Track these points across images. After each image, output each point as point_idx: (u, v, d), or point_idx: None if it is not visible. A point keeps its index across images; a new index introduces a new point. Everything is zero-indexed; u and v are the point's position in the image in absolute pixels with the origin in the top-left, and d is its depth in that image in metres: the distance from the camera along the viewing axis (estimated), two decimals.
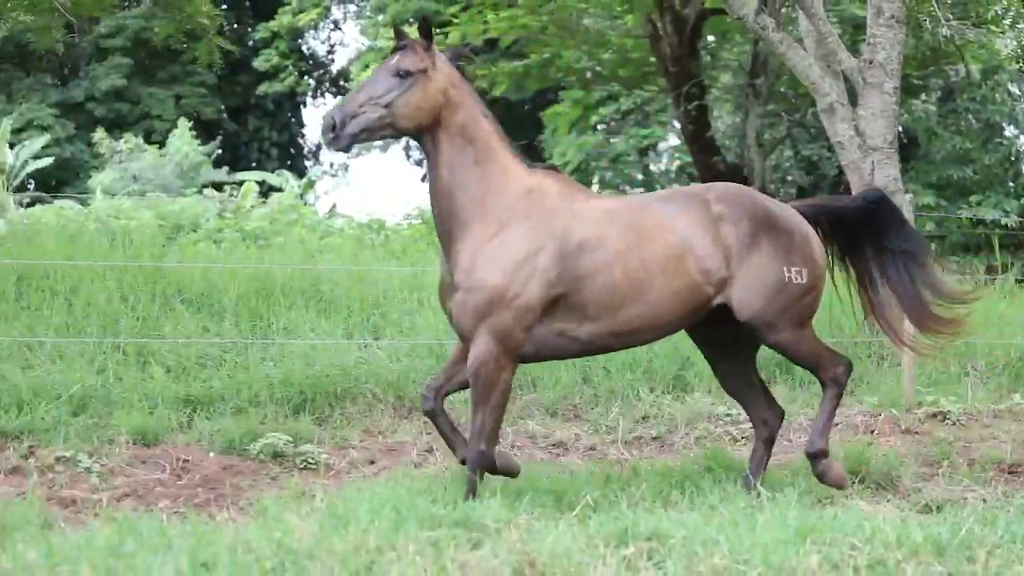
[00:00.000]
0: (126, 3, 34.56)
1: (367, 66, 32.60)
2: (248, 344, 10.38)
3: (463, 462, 7.35)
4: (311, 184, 31.09)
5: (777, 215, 7.69)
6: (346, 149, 7.32)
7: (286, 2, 37.07)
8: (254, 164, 39.40)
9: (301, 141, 45.00)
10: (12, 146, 29.72)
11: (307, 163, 43.82)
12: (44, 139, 31.74)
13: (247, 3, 42.57)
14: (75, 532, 6.17)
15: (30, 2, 15.57)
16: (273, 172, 32.37)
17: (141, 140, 32.32)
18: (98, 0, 17.40)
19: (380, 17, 34.75)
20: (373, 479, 8.31)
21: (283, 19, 37.04)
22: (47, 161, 33.93)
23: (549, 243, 7.16)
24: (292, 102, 42.98)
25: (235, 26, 39.75)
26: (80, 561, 4.92)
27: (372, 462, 9.03)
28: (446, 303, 7.36)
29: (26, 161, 32.37)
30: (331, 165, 44.04)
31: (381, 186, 58.69)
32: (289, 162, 40.83)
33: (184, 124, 32.45)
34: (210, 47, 18.78)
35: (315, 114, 47.38)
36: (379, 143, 36.50)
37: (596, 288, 7.22)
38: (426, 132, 7.23)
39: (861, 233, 8.03)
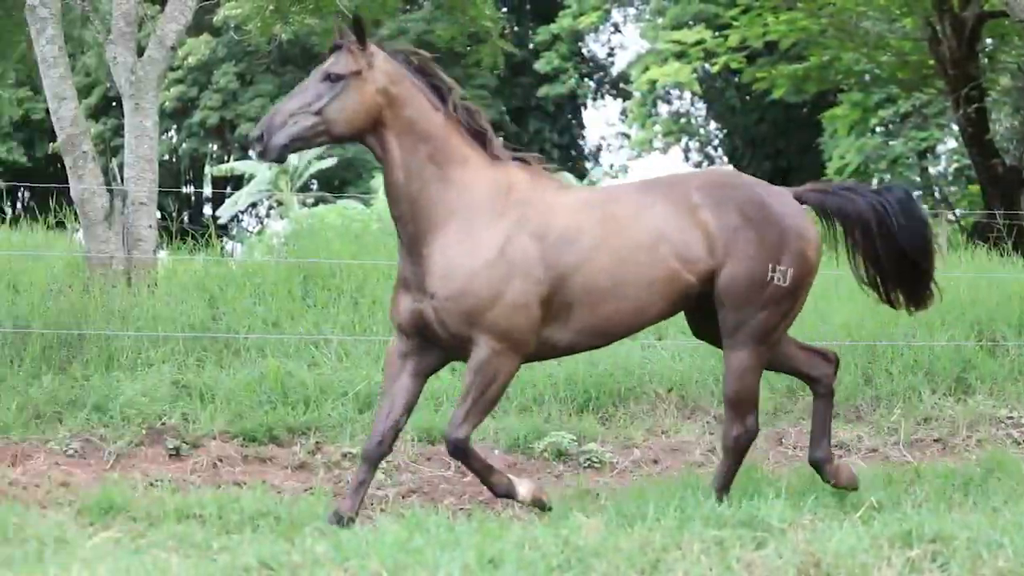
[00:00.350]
0: (408, 6, 35.22)
1: (647, 69, 32.62)
2: None
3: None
4: (592, 185, 31.22)
5: (766, 202, 7.06)
6: (278, 160, 6.84)
7: (566, 5, 37.33)
8: None
9: (581, 143, 45.27)
10: None
11: (588, 164, 44.02)
12: None
13: (527, 6, 43.03)
14: (362, 527, 6.21)
15: (315, 5, 15.95)
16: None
17: None
18: (382, 4, 17.72)
19: (659, 20, 34.74)
20: (657, 478, 8.27)
21: (563, 22, 37.38)
22: (330, 162, 34.85)
23: (526, 240, 6.77)
24: (572, 104, 43.29)
25: (515, 29, 40.20)
26: (369, 556, 4.90)
27: (655, 461, 9.02)
28: (400, 306, 6.92)
29: (309, 162, 33.29)
30: (611, 166, 44.20)
31: None
32: (570, 163, 41.08)
33: None
34: (493, 50, 18.95)
35: (595, 117, 47.72)
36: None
37: (578, 284, 6.81)
38: (370, 135, 6.85)
39: (871, 230, 7.25)
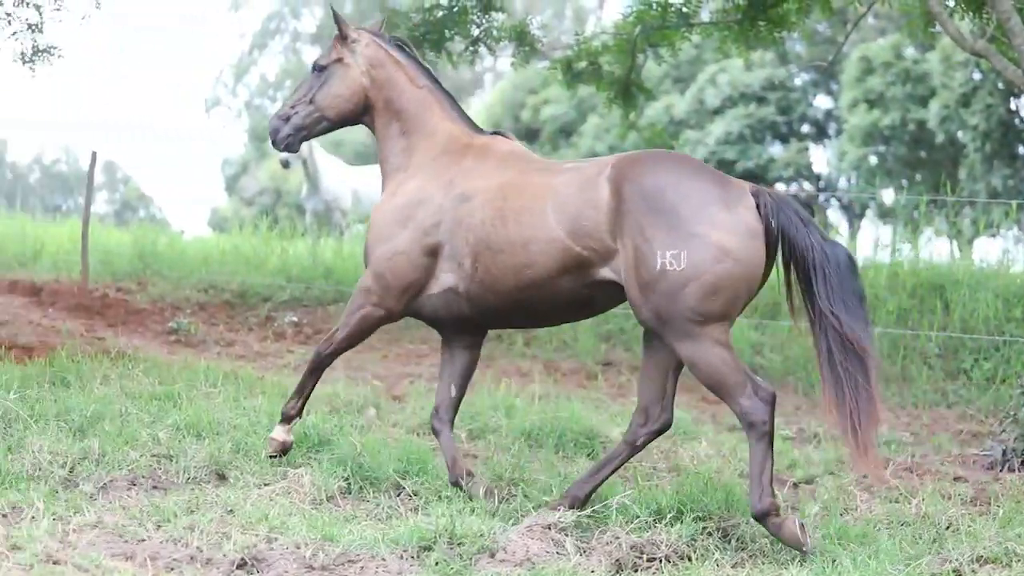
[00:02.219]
0: None
1: None
2: None
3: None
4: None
5: (669, 183, 6.45)
6: (288, 149, 7.72)
7: None
8: None
9: None
10: None
11: None
12: None
13: None
14: None
15: None
16: None
17: None
18: None
19: None
20: None
21: None
22: None
23: (436, 194, 7.10)
24: None
25: None
26: None
27: None
28: None
29: None
30: None
31: None
32: None
33: None
34: None
35: None
36: None
37: (465, 238, 6.91)
38: (364, 116, 7.63)
39: (808, 274, 6.41)
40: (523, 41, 13.31)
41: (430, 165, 7.31)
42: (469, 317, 7.14)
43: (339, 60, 7.60)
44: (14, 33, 12.77)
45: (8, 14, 12.65)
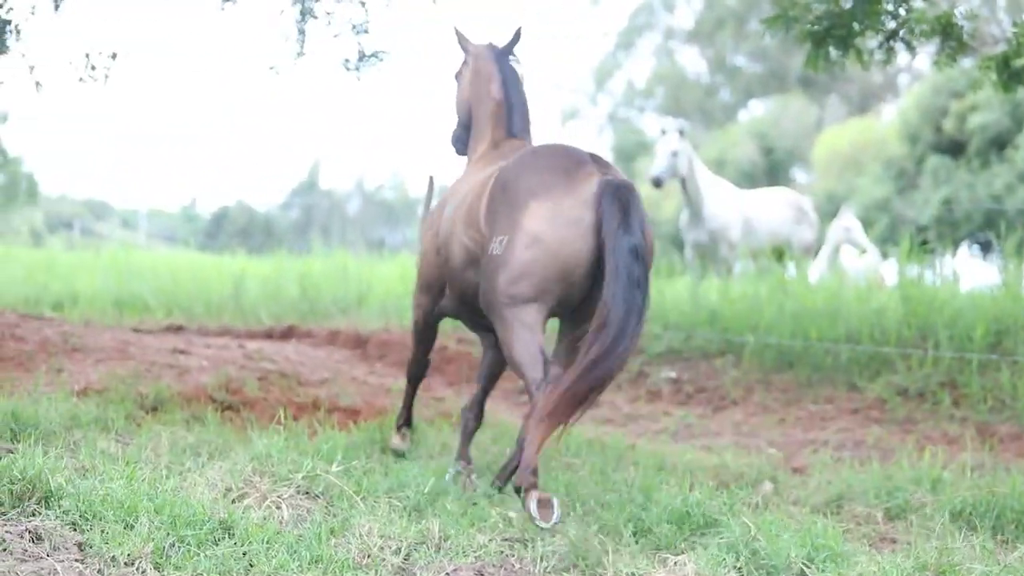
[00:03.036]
0: None
1: None
2: None
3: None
4: None
5: (515, 173, 7.87)
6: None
7: None
8: None
9: None
10: None
11: None
12: None
13: None
14: None
15: None
16: None
17: None
18: None
19: None
20: None
21: None
22: None
23: (449, 198, 8.95)
24: None
25: None
26: None
27: None
28: None
29: None
30: None
31: None
32: None
33: None
34: None
35: None
36: None
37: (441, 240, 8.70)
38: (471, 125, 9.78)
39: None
40: (949, 35, 12.93)
41: (464, 171, 9.40)
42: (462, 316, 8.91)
43: (458, 73, 9.99)
44: (336, 35, 13.21)
45: (328, 12, 13.10)
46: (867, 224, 34.80)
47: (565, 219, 7.53)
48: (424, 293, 9.08)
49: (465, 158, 9.71)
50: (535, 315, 7.62)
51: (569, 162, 7.84)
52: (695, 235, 19.28)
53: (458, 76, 9.92)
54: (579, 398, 7.26)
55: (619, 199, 7.50)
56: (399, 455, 9.16)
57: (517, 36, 9.72)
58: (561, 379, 7.30)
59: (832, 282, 16.51)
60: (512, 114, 9.40)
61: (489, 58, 9.61)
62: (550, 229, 7.54)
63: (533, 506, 7.01)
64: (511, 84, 9.54)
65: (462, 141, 9.82)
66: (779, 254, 18.70)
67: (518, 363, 7.58)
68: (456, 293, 8.57)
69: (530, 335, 7.57)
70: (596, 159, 7.99)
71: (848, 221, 21.84)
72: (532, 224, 7.57)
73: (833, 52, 12.48)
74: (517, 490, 7.23)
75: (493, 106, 9.42)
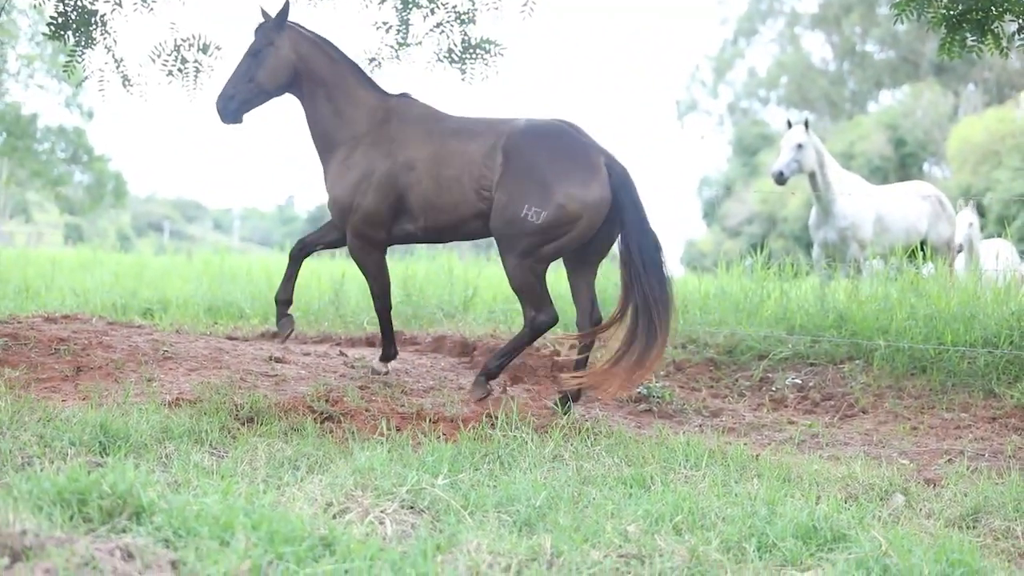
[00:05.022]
0: None
1: None
2: None
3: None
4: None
5: (537, 156, 11.17)
6: (235, 122, 12.27)
7: None
8: None
9: None
10: None
11: None
12: None
13: None
14: None
15: None
16: None
17: None
18: None
19: None
20: None
21: None
22: None
23: (385, 165, 11.79)
24: None
25: None
26: None
27: None
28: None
29: None
30: None
31: None
32: None
33: None
34: None
35: None
36: None
37: (413, 198, 11.72)
38: (291, 89, 12.37)
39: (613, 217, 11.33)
40: None
41: (367, 136, 12.01)
42: (420, 240, 12.14)
43: (271, 43, 12.17)
44: (439, 24, 13.23)
45: (431, 1, 13.13)
46: (1006, 220, 34.41)
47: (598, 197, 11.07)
48: (372, 244, 12.26)
49: None
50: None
51: (574, 143, 11.30)
52: (824, 233, 19.16)
53: (264, 48, 12.24)
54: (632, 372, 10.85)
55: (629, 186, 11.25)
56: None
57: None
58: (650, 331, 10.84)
59: (969, 282, 16.34)
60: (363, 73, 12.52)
61: (303, 33, 12.36)
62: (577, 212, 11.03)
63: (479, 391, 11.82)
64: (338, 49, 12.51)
65: (248, 105, 12.42)
66: (912, 253, 18.53)
67: (527, 293, 11.40)
68: (442, 234, 12.00)
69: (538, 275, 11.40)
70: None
71: (971, 217, 21.71)
72: (570, 206, 11.00)
73: (969, 37, 12.33)
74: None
75: (336, 65, 12.34)
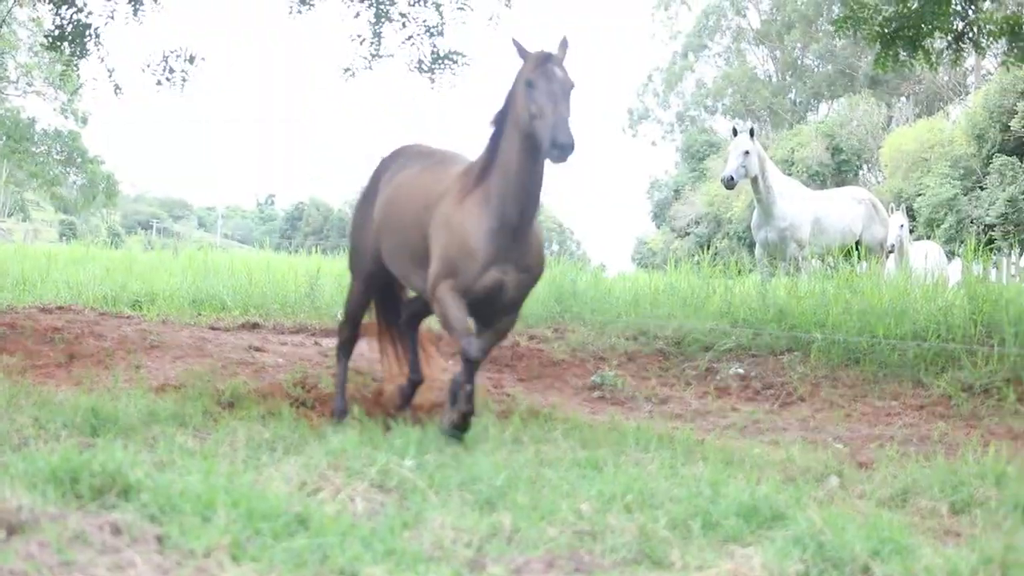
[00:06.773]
0: None
1: None
2: None
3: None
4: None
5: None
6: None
7: None
8: None
9: None
10: None
11: None
12: None
13: None
14: None
15: None
16: None
17: None
18: None
19: None
20: None
21: None
22: None
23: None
24: None
25: None
26: None
27: None
28: None
29: None
30: None
31: None
32: None
33: None
34: None
35: None
36: None
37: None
38: None
39: None
40: (1017, 35, 12.80)
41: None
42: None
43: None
44: (409, 37, 13.22)
45: (403, 15, 13.11)
46: (935, 223, 34.46)
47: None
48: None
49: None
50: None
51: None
52: (765, 234, 19.24)
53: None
54: None
55: None
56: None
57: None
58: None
59: (899, 280, 16.43)
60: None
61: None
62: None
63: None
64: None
65: None
66: (847, 253, 18.65)
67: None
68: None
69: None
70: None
71: (903, 220, 21.94)
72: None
73: (902, 53, 12.42)
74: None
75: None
